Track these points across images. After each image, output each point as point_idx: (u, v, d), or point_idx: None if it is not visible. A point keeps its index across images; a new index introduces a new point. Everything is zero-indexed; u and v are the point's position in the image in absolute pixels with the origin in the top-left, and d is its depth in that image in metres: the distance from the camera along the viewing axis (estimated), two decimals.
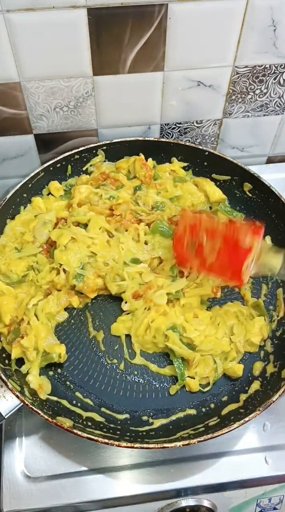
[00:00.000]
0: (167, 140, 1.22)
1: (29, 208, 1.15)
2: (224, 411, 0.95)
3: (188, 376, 0.98)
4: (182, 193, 1.19)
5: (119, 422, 0.94)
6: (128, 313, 1.04)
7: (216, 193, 1.20)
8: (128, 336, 1.03)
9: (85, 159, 1.21)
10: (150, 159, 1.20)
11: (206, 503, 0.94)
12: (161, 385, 0.99)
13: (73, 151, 1.17)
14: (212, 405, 0.97)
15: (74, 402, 0.96)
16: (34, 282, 1.04)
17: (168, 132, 1.26)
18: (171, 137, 1.27)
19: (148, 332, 1.00)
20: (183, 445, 0.83)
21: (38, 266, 1.06)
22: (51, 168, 1.17)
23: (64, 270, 1.02)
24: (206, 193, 1.20)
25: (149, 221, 1.12)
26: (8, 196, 1.10)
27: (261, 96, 1.18)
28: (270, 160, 1.40)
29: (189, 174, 1.23)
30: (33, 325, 0.97)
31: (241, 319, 1.04)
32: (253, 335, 1.01)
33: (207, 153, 1.19)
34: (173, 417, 0.95)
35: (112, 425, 0.93)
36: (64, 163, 1.18)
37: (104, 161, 1.22)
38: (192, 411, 0.97)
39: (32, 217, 1.13)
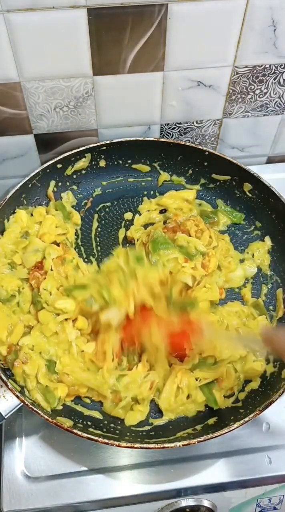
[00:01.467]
0: (167, 140, 1.22)
1: (12, 221, 1.10)
2: (224, 410, 0.95)
3: None
4: (166, 198, 1.19)
5: (119, 422, 0.94)
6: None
7: (189, 193, 1.20)
8: None
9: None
10: None
11: (206, 503, 0.94)
12: None
13: (73, 151, 1.17)
14: None
15: (74, 401, 0.96)
16: (18, 309, 1.00)
17: (168, 132, 1.26)
18: (171, 137, 1.27)
19: (180, 394, 0.94)
20: (183, 445, 0.83)
21: (21, 298, 1.00)
22: (51, 168, 1.16)
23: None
24: (185, 197, 1.19)
25: (146, 240, 1.11)
26: (8, 196, 1.09)
27: (261, 96, 1.18)
28: (270, 160, 1.40)
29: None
30: (32, 358, 0.93)
31: (243, 319, 1.04)
32: (257, 336, 1.01)
33: (207, 153, 1.19)
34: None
35: (112, 425, 0.93)
36: (64, 163, 1.18)
37: (89, 165, 1.21)
38: None
39: (18, 234, 1.09)
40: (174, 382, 0.94)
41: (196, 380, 0.96)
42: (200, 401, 0.95)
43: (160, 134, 1.26)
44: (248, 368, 0.98)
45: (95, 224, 1.19)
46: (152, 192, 1.24)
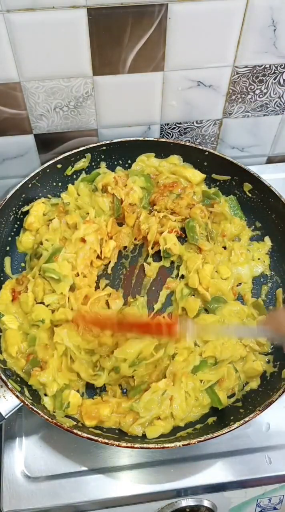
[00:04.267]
0: (167, 140, 1.22)
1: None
2: (224, 410, 0.95)
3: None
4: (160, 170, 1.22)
5: None
6: None
7: (197, 175, 1.20)
8: None
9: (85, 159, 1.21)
10: (118, 169, 1.22)
11: (206, 503, 0.94)
12: None
13: (73, 151, 1.17)
14: None
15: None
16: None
17: (168, 132, 1.26)
18: (171, 137, 1.27)
19: (188, 398, 0.94)
20: (183, 445, 0.83)
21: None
22: (51, 168, 1.16)
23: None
24: (187, 178, 1.20)
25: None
26: (8, 196, 1.10)
27: (261, 96, 1.18)
28: (270, 160, 1.40)
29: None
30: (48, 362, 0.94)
31: (243, 319, 1.04)
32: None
33: (207, 153, 1.19)
34: None
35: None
36: (64, 163, 1.18)
37: (89, 165, 1.21)
38: None
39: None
40: (181, 388, 0.93)
41: (201, 382, 0.95)
42: (206, 403, 0.95)
43: (160, 134, 1.26)
44: (248, 368, 0.98)
45: None
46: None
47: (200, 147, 1.20)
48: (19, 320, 1.01)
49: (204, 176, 1.21)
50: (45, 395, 0.92)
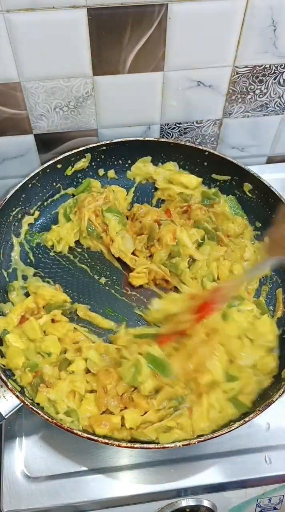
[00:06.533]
0: (167, 140, 1.22)
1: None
2: None
3: None
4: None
5: None
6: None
7: (193, 180, 1.20)
8: None
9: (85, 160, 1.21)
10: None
11: (206, 503, 0.94)
12: None
13: (73, 151, 1.17)
14: None
15: None
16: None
17: (168, 132, 1.26)
18: (171, 137, 1.27)
19: (212, 411, 0.89)
20: (183, 445, 0.83)
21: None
22: (51, 168, 1.17)
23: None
24: (184, 184, 1.20)
25: None
26: (8, 196, 1.10)
27: (261, 96, 1.18)
28: (270, 160, 1.40)
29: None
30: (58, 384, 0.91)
31: (249, 319, 1.03)
32: (266, 334, 1.01)
33: (207, 153, 1.19)
34: None
35: None
36: (64, 163, 1.18)
37: (88, 165, 1.21)
38: None
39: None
40: (203, 402, 0.89)
41: (225, 392, 0.92)
42: (232, 412, 0.90)
43: (160, 134, 1.26)
44: (261, 366, 0.95)
45: None
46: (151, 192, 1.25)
47: (200, 147, 1.20)
48: (25, 343, 0.96)
49: (200, 180, 1.21)
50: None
